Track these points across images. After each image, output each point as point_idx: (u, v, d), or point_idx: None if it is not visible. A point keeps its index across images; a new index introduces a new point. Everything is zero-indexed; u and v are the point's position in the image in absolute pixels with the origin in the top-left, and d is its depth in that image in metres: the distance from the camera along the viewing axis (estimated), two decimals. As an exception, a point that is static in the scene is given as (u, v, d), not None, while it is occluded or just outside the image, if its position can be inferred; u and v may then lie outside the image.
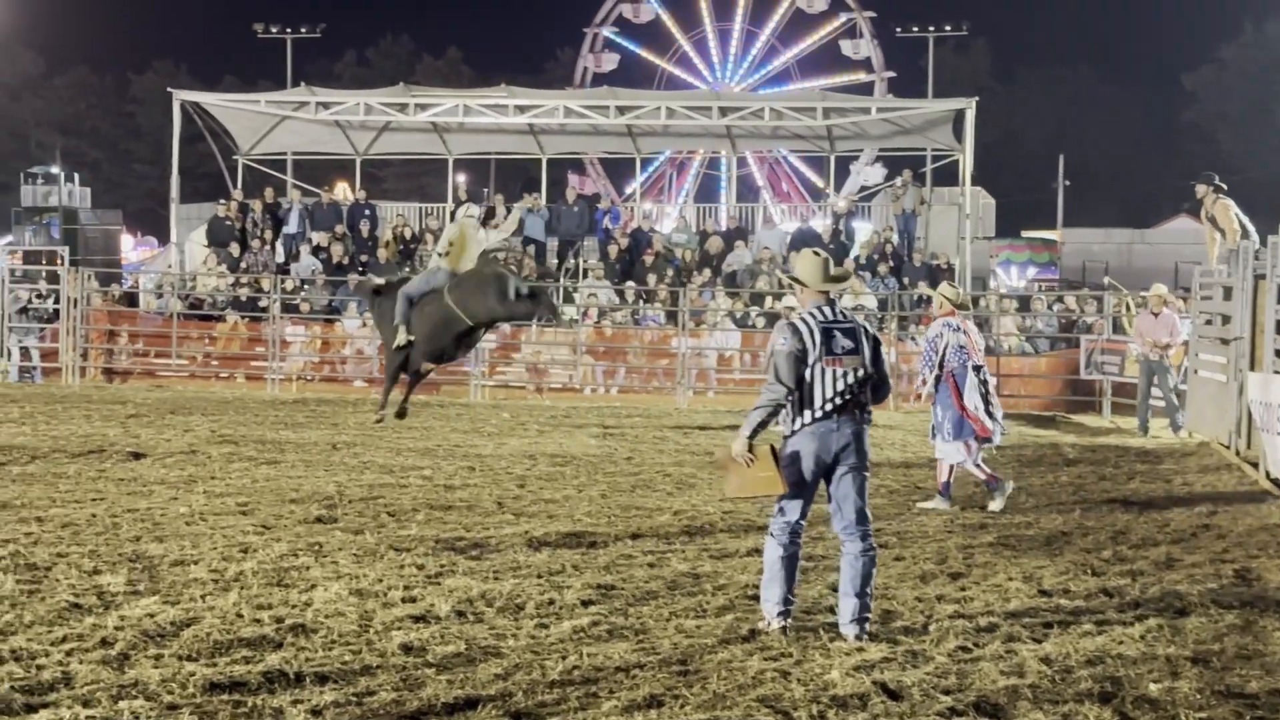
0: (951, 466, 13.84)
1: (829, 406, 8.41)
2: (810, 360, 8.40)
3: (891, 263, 29.48)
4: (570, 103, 32.81)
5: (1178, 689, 7.42)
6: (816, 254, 8.79)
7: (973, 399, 13.60)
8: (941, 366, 13.70)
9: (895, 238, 30.72)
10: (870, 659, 7.88)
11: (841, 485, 8.49)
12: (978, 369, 13.75)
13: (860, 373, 8.49)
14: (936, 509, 13.60)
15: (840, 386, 8.42)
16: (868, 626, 8.40)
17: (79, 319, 26.96)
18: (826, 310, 8.57)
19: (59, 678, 7.16)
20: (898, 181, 33.07)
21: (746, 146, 41.11)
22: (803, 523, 8.52)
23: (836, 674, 7.52)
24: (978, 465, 13.82)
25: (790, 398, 8.41)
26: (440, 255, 15.96)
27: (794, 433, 8.46)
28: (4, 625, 8.12)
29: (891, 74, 56.77)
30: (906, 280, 29.24)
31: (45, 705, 6.69)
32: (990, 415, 13.68)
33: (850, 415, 8.46)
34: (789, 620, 8.40)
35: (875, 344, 8.64)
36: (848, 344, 8.48)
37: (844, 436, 8.44)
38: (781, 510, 8.47)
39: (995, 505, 13.59)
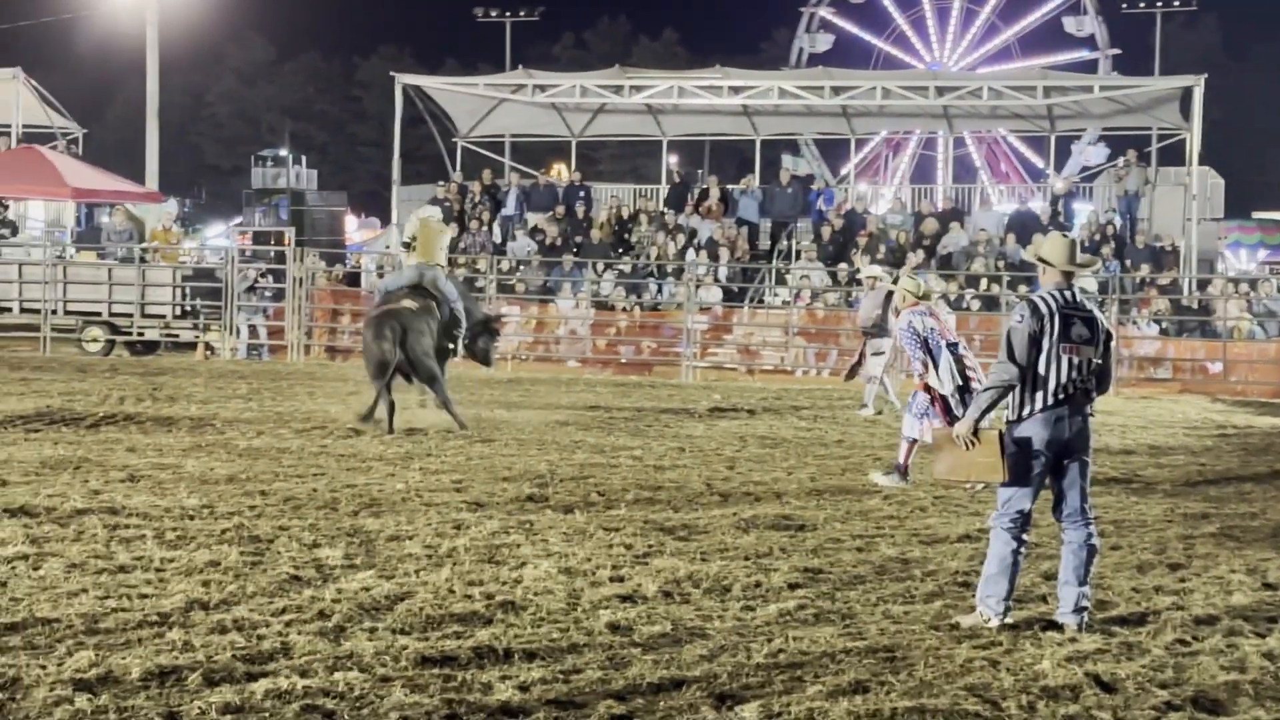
0: (912, 445, 13.52)
1: (1061, 395, 8.23)
2: (1045, 344, 8.24)
3: (1113, 245, 28.77)
4: (785, 83, 32.63)
5: None
6: (1064, 235, 8.73)
7: (947, 381, 13.21)
8: (927, 349, 13.32)
9: (1117, 220, 29.98)
10: (1083, 650, 7.71)
11: (1068, 474, 8.33)
12: (953, 346, 13.44)
13: (1093, 363, 8.32)
14: (889, 485, 13.35)
15: (1075, 375, 8.24)
16: (1087, 616, 8.24)
17: (304, 298, 27.73)
18: (1067, 294, 8.39)
19: (278, 648, 7.37)
20: (1121, 161, 32.27)
21: (964, 126, 40.49)
22: (1032, 513, 8.36)
23: (1048, 664, 7.38)
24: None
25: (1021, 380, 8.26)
26: (406, 249, 17.42)
27: (1022, 419, 8.28)
28: (228, 596, 8.39)
29: (1116, 51, 55.32)
30: (1129, 263, 28.53)
31: (265, 674, 6.89)
32: (969, 390, 13.19)
33: (1079, 404, 8.30)
34: (1078, 620, 8.20)
35: (1107, 335, 8.47)
36: (1084, 333, 8.29)
37: (1074, 425, 8.27)
38: (1009, 501, 8.29)
39: (885, 482, 13.37)
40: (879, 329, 19.50)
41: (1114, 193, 31.58)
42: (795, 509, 12.02)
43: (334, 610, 8.09)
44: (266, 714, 6.39)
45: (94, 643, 7.32)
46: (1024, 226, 29.10)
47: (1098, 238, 28.99)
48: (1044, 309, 8.29)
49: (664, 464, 14.51)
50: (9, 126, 33.37)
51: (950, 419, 12.95)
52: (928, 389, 13.28)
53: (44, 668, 6.85)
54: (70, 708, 6.33)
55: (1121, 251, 28.86)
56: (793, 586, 9.09)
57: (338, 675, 6.89)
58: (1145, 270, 28.32)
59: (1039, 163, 47.14)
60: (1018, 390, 8.27)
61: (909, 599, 8.88)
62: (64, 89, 38.87)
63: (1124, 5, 56.23)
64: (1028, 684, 7.10)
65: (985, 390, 8.37)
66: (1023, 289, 26.38)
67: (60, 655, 7.08)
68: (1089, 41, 55.61)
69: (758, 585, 9.08)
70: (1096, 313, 8.49)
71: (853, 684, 7.02)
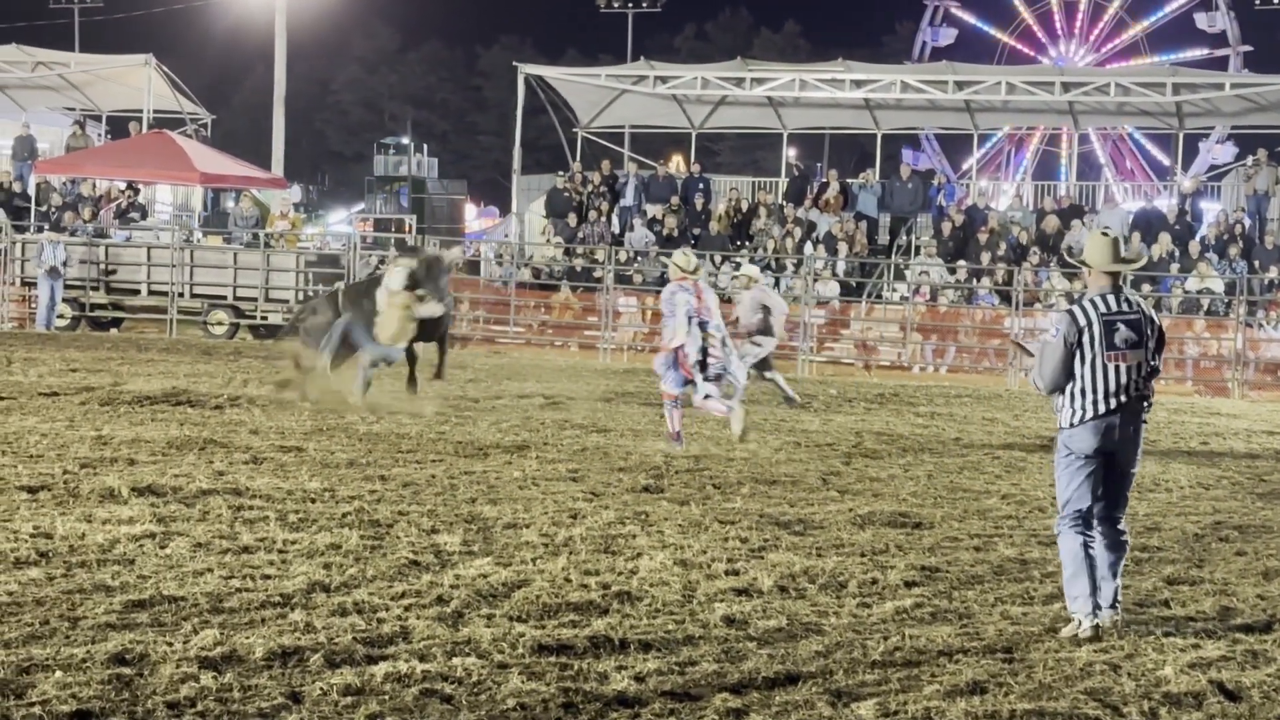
0: (675, 401, 14.70)
1: (1112, 403, 8.04)
2: (1089, 354, 8.05)
3: (1241, 245, 28.24)
4: (907, 77, 32.41)
5: None
6: (1105, 233, 8.38)
7: (691, 344, 14.59)
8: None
9: (1246, 219, 29.42)
10: (1207, 656, 7.58)
11: (1111, 481, 8.17)
12: (704, 324, 14.65)
13: (1144, 368, 8.12)
14: (669, 450, 14.33)
15: (1124, 381, 8.04)
16: (1120, 610, 8.13)
17: (424, 285, 27.93)
18: (1111, 299, 8.13)
19: (397, 632, 7.46)
20: (1250, 160, 31.66)
21: (1089, 123, 39.92)
22: (1094, 509, 8.17)
23: (1170, 670, 7.26)
24: (705, 401, 14.68)
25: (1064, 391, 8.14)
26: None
27: (1073, 425, 8.11)
28: (348, 579, 8.50)
29: (1248, 48, 54.32)
30: (1257, 264, 27.98)
31: (384, 657, 6.98)
32: (705, 366, 14.58)
33: (1134, 410, 8.11)
34: (1112, 616, 8.06)
35: (1160, 335, 8.26)
36: (1131, 336, 8.06)
37: (1124, 432, 8.10)
38: (1068, 503, 8.14)
39: (665, 447, 14.47)
40: (762, 329, 19.32)
41: (1243, 192, 30.99)
42: (912, 506, 11.95)
43: (452, 596, 8.18)
44: (386, 697, 6.47)
45: (219, 621, 7.46)
46: (1149, 225, 28.68)
47: (1225, 238, 28.49)
48: (1083, 319, 8.08)
49: (779, 458, 14.48)
50: (140, 112, 34.01)
51: (690, 370, 14.60)
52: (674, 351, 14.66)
53: (170, 645, 6.99)
54: (196, 685, 6.45)
55: (1250, 252, 28.31)
56: (909, 584, 9.04)
57: (456, 660, 6.96)
58: (1274, 272, 27.76)
59: (1165, 160, 46.46)
60: (1067, 399, 8.13)
61: (1027, 600, 8.79)
62: (193, 75, 39.58)
63: (1257, 1, 55.12)
64: (1149, 690, 7.01)
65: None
66: (1146, 288, 26.01)
67: (186, 633, 7.22)
68: (1220, 38, 54.65)
69: (874, 582, 9.04)
70: (1146, 312, 8.21)
71: (970, 684, 6.97)
